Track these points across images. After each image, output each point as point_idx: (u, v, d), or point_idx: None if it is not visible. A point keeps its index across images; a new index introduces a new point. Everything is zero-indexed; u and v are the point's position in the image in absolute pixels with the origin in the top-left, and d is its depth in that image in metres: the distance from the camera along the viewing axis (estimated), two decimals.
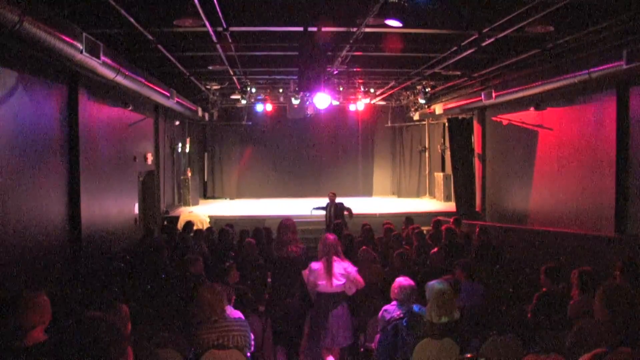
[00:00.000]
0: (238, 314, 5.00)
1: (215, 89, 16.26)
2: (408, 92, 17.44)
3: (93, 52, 7.37)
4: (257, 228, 10.44)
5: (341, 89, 15.76)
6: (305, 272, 6.28)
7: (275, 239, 6.92)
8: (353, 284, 6.17)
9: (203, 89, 15.55)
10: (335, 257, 6.20)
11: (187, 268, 6.82)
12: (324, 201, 13.46)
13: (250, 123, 20.95)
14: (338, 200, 13.17)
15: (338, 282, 6.12)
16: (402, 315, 5.02)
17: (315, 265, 6.22)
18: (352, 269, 6.25)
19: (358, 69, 12.91)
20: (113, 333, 2.43)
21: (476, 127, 16.28)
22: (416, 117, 19.62)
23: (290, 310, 6.43)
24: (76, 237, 9.01)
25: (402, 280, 5.41)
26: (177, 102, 13.78)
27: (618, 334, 2.76)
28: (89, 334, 2.39)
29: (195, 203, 18.28)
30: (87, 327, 2.42)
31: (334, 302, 6.10)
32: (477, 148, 16.30)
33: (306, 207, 13.58)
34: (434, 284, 4.74)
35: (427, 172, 21.03)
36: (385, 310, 5.36)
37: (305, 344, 6.39)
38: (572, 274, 5.50)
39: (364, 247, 8.20)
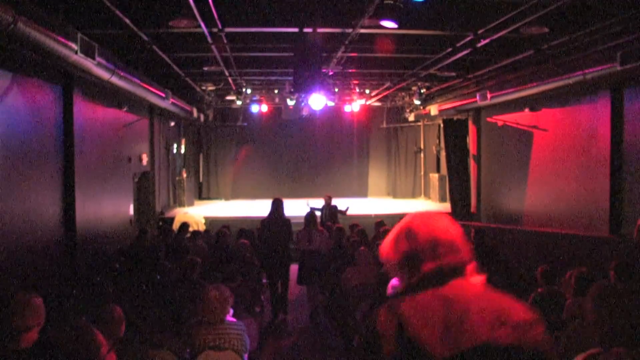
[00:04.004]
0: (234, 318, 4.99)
1: (211, 90, 16.26)
2: (403, 93, 17.47)
3: (88, 52, 7.35)
4: (242, 229, 10.50)
5: (336, 90, 15.78)
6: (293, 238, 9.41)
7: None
8: (325, 244, 9.14)
9: (198, 90, 15.54)
10: (313, 227, 9.27)
11: (191, 271, 6.79)
12: (319, 202, 13.47)
13: (245, 124, 20.94)
14: (334, 201, 13.18)
15: (315, 243, 9.11)
16: None
17: (300, 233, 9.31)
18: (325, 235, 9.36)
19: (353, 70, 12.92)
20: (88, 344, 2.42)
21: (471, 128, 16.32)
22: (411, 118, 19.65)
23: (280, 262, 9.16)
24: (71, 238, 8.98)
25: (395, 281, 5.43)
26: (173, 103, 13.75)
27: (612, 334, 2.77)
28: (67, 346, 2.38)
29: (191, 204, 18.26)
30: (63, 339, 2.41)
31: (312, 256, 9.04)
32: (472, 149, 16.33)
33: (302, 208, 13.59)
34: None
35: (422, 173, 21.05)
36: None
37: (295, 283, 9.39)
38: (567, 275, 5.52)
39: (362, 247, 8.20)
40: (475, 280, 1.88)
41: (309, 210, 10.23)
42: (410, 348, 1.71)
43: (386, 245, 1.94)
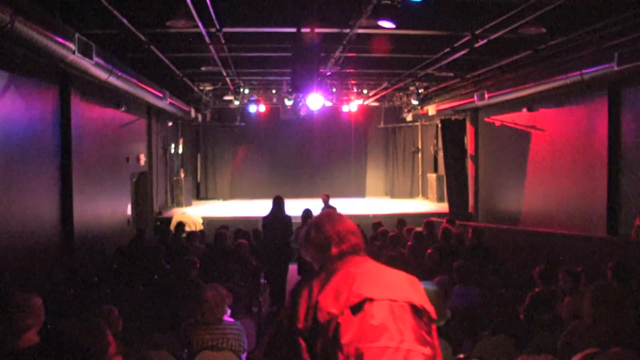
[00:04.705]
0: (231, 318, 4.98)
1: (209, 90, 16.24)
2: (401, 93, 17.48)
3: (85, 52, 7.34)
4: (239, 229, 10.55)
5: (334, 90, 15.77)
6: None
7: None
8: None
9: (196, 90, 15.53)
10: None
11: (188, 272, 6.79)
12: (317, 202, 13.44)
13: (243, 124, 20.92)
14: (332, 201, 13.16)
15: None
16: None
17: (298, 229, 8.90)
18: None
19: (351, 70, 12.93)
20: (98, 341, 2.43)
21: (469, 128, 16.32)
22: (409, 118, 19.66)
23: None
24: (68, 238, 8.97)
25: None
26: (170, 103, 13.74)
27: (609, 334, 2.78)
28: (77, 337, 2.38)
29: (188, 204, 18.24)
30: (74, 331, 2.42)
31: None
32: (469, 149, 16.34)
33: (299, 208, 13.61)
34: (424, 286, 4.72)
35: (420, 173, 21.06)
36: None
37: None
38: (559, 274, 5.55)
39: None
40: (366, 257, 2.47)
41: (305, 208, 10.48)
42: (314, 309, 2.24)
43: (302, 238, 2.55)
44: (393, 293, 2.25)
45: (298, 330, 2.28)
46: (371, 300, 2.20)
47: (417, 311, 2.26)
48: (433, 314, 2.31)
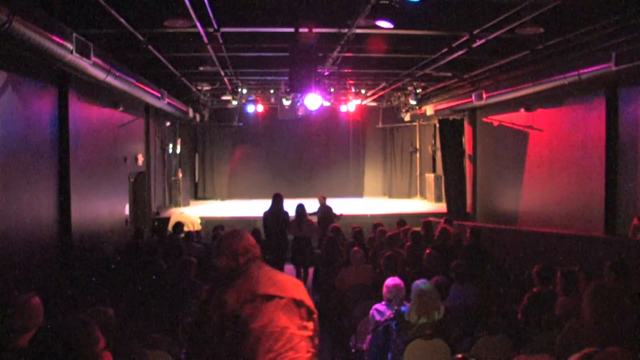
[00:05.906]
0: None
1: (206, 90, 16.23)
2: (399, 93, 17.48)
3: (83, 52, 7.33)
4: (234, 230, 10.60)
5: (332, 90, 15.76)
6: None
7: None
8: (314, 231, 11.14)
9: (194, 89, 15.52)
10: (303, 218, 10.89)
11: (186, 272, 6.78)
12: (315, 202, 13.45)
13: (241, 124, 20.91)
14: (329, 201, 13.16)
15: (304, 231, 10.87)
16: (392, 316, 5.02)
17: (292, 222, 10.90)
18: (314, 224, 11.23)
19: (349, 70, 12.93)
20: (87, 336, 2.43)
21: (467, 128, 16.34)
22: (407, 118, 19.66)
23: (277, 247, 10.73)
24: (66, 238, 8.96)
25: (389, 281, 5.45)
26: (168, 103, 13.73)
27: (607, 333, 2.78)
28: (62, 338, 2.39)
29: (186, 204, 18.23)
30: (60, 331, 2.42)
31: (301, 241, 10.82)
32: (467, 149, 16.35)
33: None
34: (418, 284, 4.72)
35: (418, 173, 21.07)
36: (376, 310, 5.37)
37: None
38: (556, 274, 5.55)
39: (356, 247, 8.21)
40: (262, 263, 3.34)
41: (299, 203, 11.35)
42: (222, 304, 3.09)
43: (214, 250, 3.65)
44: (281, 291, 3.19)
45: (211, 320, 3.07)
46: (267, 296, 3.13)
47: (298, 304, 3.21)
48: (312, 307, 3.30)
